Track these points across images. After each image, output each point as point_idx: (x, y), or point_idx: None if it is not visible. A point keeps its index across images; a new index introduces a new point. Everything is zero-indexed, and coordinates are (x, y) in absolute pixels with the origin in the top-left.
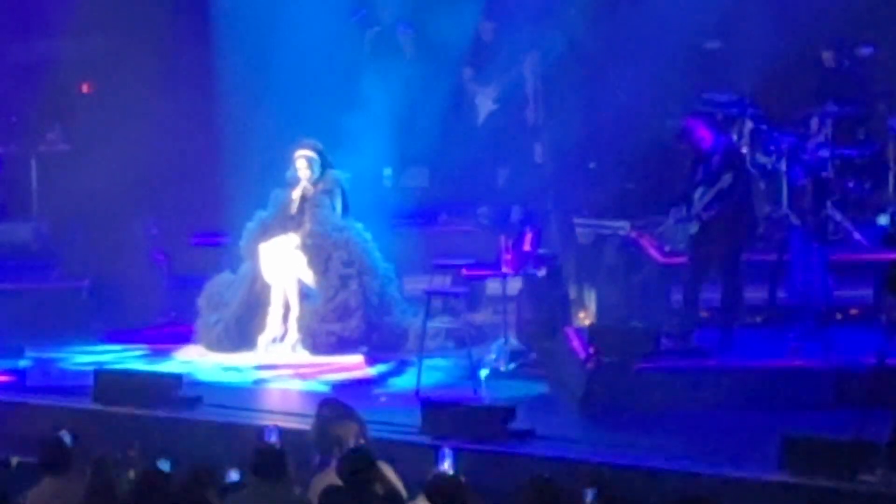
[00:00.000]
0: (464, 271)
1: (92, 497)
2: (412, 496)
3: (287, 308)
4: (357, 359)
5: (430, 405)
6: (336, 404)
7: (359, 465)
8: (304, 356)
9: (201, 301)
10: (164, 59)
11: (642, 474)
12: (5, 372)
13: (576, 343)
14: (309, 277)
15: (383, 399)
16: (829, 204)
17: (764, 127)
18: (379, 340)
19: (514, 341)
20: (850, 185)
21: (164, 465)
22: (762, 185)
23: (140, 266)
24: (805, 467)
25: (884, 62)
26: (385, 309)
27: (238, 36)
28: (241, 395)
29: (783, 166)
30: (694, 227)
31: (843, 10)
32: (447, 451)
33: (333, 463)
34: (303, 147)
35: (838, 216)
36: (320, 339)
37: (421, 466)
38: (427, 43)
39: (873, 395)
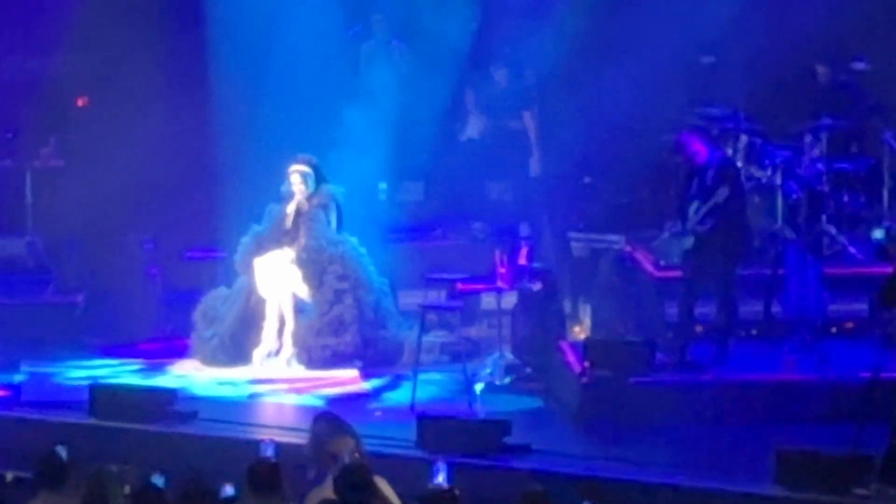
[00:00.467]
0: (459, 285)
1: None
2: None
3: (282, 322)
4: (352, 373)
5: (426, 419)
6: (331, 419)
7: (355, 480)
8: (300, 371)
9: (196, 315)
10: (159, 75)
11: (637, 488)
12: (0, 387)
13: (571, 357)
14: (304, 292)
15: (378, 413)
16: (823, 218)
17: (758, 141)
18: (374, 355)
19: (509, 355)
20: (845, 199)
21: (159, 480)
22: (757, 199)
23: (135, 280)
24: (800, 481)
25: (878, 76)
26: (380, 323)
27: (232, 51)
28: (236, 409)
29: (778, 180)
30: (689, 242)
31: (837, 25)
32: (441, 464)
33: (329, 477)
34: (297, 162)
35: (833, 230)
36: (315, 354)
37: (416, 481)
38: (421, 58)
39: (868, 408)
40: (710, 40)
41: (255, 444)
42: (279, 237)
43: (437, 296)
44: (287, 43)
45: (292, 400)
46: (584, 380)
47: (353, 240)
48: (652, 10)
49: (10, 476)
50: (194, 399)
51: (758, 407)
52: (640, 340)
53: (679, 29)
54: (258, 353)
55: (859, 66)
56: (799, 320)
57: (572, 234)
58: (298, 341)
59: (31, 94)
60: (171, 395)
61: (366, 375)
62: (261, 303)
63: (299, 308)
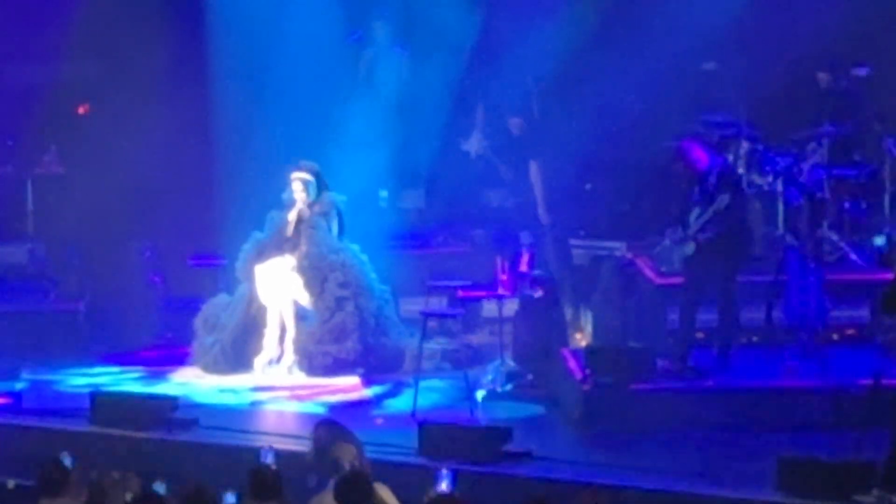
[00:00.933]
0: (460, 293)
1: None
2: None
3: (283, 330)
4: (353, 380)
5: (427, 427)
6: (332, 426)
7: (355, 488)
8: (301, 378)
9: (198, 323)
10: (160, 82)
11: (639, 495)
12: (1, 394)
13: (572, 364)
14: (305, 299)
15: (380, 421)
16: (825, 224)
17: (760, 148)
18: (375, 362)
19: (510, 362)
20: (846, 205)
21: (160, 488)
22: (758, 205)
23: (136, 288)
24: (801, 488)
25: (879, 83)
26: (381, 330)
27: (233, 58)
28: (238, 417)
29: (779, 187)
30: (690, 248)
31: (838, 31)
32: (444, 471)
33: (330, 485)
34: (299, 169)
35: (834, 237)
36: (316, 361)
37: (418, 488)
38: (423, 64)
39: (869, 415)
40: (712, 47)
41: (256, 452)
42: (280, 244)
43: (439, 303)
44: (288, 50)
45: (293, 407)
46: (586, 387)
47: (355, 247)
48: (653, 18)
49: (11, 483)
50: (195, 407)
51: (759, 413)
52: (642, 347)
53: (680, 36)
54: (259, 361)
55: (861, 72)
56: (800, 327)
57: (574, 242)
58: (299, 348)
59: (32, 102)
60: (172, 402)
61: (367, 382)
62: (262, 310)
63: (300, 315)
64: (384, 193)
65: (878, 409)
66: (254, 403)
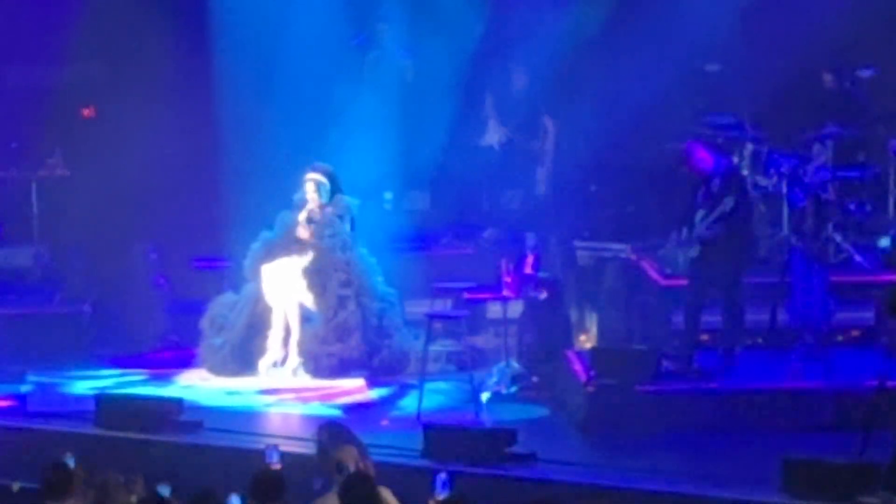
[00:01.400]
0: (465, 295)
1: None
2: None
3: (287, 331)
4: (359, 382)
5: (432, 429)
6: (334, 428)
7: (360, 490)
8: (306, 380)
9: (204, 323)
10: (165, 84)
11: (643, 497)
12: (7, 397)
13: (577, 366)
14: (309, 300)
15: (385, 423)
16: (829, 226)
17: (764, 149)
18: (380, 364)
19: (515, 364)
20: (851, 207)
21: (165, 490)
22: (763, 207)
23: (141, 290)
24: (805, 490)
25: (884, 84)
26: (385, 332)
27: (238, 60)
28: (243, 419)
29: (784, 188)
30: (695, 250)
31: (843, 32)
32: (442, 476)
33: (335, 487)
34: (315, 171)
35: (839, 238)
36: (322, 363)
37: (422, 491)
38: (427, 67)
39: (874, 417)
40: (716, 48)
41: (262, 454)
42: (289, 245)
43: (444, 305)
44: (293, 52)
45: (299, 409)
46: (591, 388)
47: (364, 251)
48: (657, 19)
49: (16, 486)
50: (200, 409)
51: (764, 415)
52: (646, 349)
53: (684, 37)
54: (264, 363)
55: (865, 73)
56: (805, 328)
57: (578, 243)
58: (304, 351)
59: (36, 105)
60: (176, 404)
61: (372, 385)
62: (268, 310)
63: (305, 318)
64: (389, 195)
65: (882, 411)
66: (258, 406)
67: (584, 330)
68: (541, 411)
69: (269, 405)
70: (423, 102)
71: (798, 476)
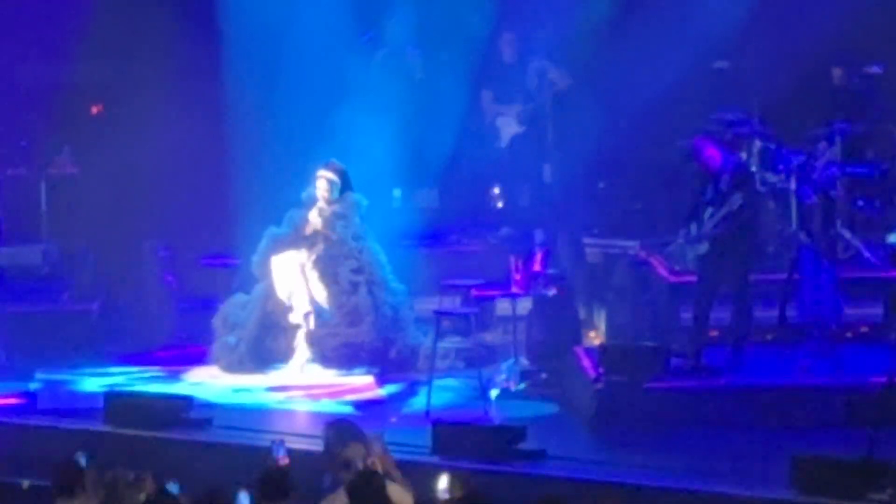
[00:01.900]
0: (473, 291)
1: None
2: None
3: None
4: (368, 379)
5: (441, 426)
6: (341, 426)
7: (368, 488)
8: (315, 376)
9: (217, 322)
10: (174, 82)
11: (652, 493)
12: (16, 394)
13: (586, 362)
14: (321, 294)
15: (394, 420)
16: (838, 223)
17: (773, 146)
18: (396, 355)
19: (524, 361)
20: (860, 203)
21: (173, 488)
22: (771, 204)
23: (150, 288)
24: (815, 487)
25: (893, 80)
26: (399, 325)
27: (247, 57)
28: (252, 416)
29: (792, 185)
30: (703, 247)
31: (852, 29)
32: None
33: (344, 485)
34: (327, 168)
35: (848, 235)
36: (328, 347)
37: (432, 487)
38: (436, 64)
39: (883, 413)
40: (725, 45)
41: (270, 451)
42: (297, 241)
43: (452, 302)
44: (301, 49)
45: (308, 407)
46: (599, 385)
47: (375, 245)
48: (666, 16)
49: (26, 484)
50: (209, 406)
51: (773, 412)
52: (655, 346)
53: (693, 34)
54: (296, 361)
55: (874, 70)
56: (814, 325)
57: (587, 240)
58: (314, 340)
59: (45, 102)
60: (186, 402)
61: (381, 381)
62: (278, 307)
63: (317, 313)
64: (398, 192)
65: (892, 408)
66: (268, 403)
67: (593, 326)
68: (550, 408)
69: (278, 402)
70: (432, 100)
71: (807, 473)
